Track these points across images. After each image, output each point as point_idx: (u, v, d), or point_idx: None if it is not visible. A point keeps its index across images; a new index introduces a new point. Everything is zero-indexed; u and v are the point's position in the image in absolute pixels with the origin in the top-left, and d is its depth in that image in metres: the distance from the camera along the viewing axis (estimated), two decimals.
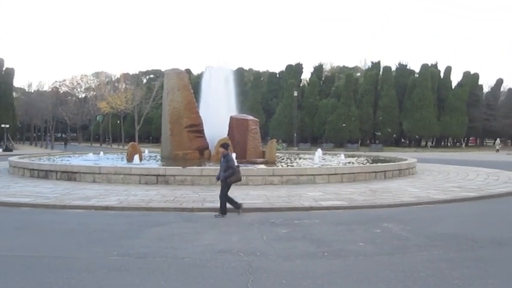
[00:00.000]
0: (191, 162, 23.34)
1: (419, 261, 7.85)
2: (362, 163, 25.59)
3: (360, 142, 75.33)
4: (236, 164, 12.48)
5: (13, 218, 12.29)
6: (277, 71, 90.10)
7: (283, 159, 28.89)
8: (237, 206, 12.52)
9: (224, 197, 12.33)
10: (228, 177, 12.34)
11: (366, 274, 7.17)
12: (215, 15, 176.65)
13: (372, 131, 77.00)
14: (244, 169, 19.09)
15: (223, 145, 13.05)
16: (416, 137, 77.74)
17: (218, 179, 12.72)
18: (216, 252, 8.46)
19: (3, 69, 73.30)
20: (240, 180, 12.95)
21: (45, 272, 7.26)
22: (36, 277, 6.99)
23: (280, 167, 22.20)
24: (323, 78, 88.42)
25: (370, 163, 25.36)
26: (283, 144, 62.97)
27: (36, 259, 8.00)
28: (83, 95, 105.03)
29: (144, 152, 29.54)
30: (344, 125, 71.20)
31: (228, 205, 12.42)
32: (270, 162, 23.40)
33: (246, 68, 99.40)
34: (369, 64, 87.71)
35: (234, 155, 21.79)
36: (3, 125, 61.70)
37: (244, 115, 27.52)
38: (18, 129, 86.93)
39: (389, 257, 8.17)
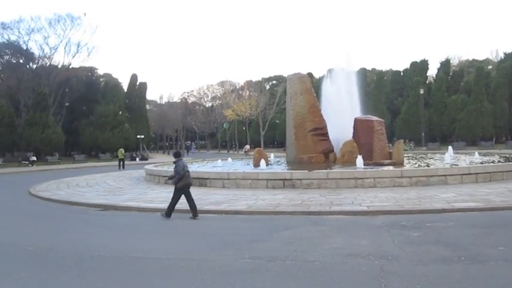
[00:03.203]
0: (316, 165, 23.33)
1: None
2: (498, 161, 23.93)
3: (494, 139, 70.58)
4: (185, 169, 13.17)
5: (151, 222, 13.15)
6: (401, 69, 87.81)
7: (411, 159, 27.91)
8: (168, 214, 13.20)
9: (173, 201, 13.29)
10: (177, 183, 13.25)
11: (508, 280, 6.70)
12: (335, 17, 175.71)
13: (507, 126, 71.86)
14: (371, 171, 18.82)
15: (174, 154, 13.99)
16: None
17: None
18: (345, 256, 8.36)
19: (137, 83, 78.67)
20: (189, 184, 13.41)
21: (182, 273, 7.64)
22: (174, 278, 7.37)
23: (409, 167, 21.44)
24: (451, 74, 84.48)
25: (508, 161, 23.63)
26: (411, 144, 60.91)
27: (173, 261, 8.42)
28: (210, 104, 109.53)
29: (269, 157, 30.06)
30: None
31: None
32: (398, 163, 22.69)
33: (369, 68, 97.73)
34: (502, 55, 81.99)
35: (359, 157, 21.59)
36: (138, 136, 66.11)
37: (369, 116, 26.98)
38: (152, 139, 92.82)
39: None
